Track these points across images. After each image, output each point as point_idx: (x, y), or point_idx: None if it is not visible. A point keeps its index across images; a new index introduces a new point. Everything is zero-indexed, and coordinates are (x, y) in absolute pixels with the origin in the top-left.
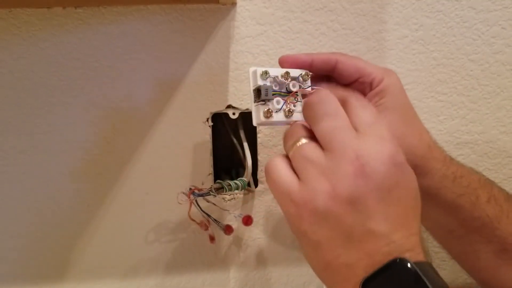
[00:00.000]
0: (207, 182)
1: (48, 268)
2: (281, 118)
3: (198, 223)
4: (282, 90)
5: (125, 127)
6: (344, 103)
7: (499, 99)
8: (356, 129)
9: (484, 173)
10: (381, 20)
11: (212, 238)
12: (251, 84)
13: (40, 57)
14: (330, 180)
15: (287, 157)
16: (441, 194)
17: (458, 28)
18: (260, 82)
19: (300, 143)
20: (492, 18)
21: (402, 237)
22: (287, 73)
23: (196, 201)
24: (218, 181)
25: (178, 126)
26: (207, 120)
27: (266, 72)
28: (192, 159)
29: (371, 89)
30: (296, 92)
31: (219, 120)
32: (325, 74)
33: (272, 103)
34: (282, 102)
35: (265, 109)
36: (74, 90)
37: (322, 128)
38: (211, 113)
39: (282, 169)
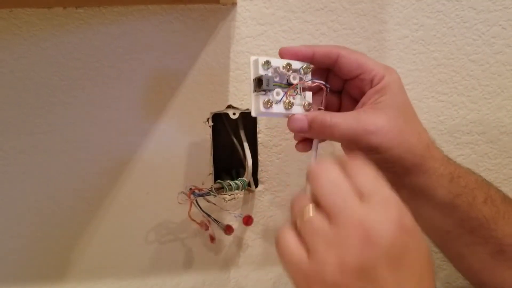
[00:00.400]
0: (208, 182)
1: (48, 268)
2: (281, 109)
3: (198, 223)
4: (283, 82)
5: (125, 126)
6: (344, 167)
7: (499, 99)
8: (359, 195)
9: (485, 174)
10: (381, 20)
11: (212, 238)
12: (252, 73)
13: (41, 57)
14: (338, 252)
15: (295, 225)
16: (438, 194)
17: (459, 29)
18: (262, 72)
19: (307, 215)
20: (493, 18)
21: None
22: (289, 64)
23: (196, 201)
24: (219, 181)
25: (179, 126)
26: (208, 120)
27: (268, 62)
28: (193, 159)
29: (371, 86)
30: (297, 84)
31: (219, 120)
32: (326, 68)
33: (272, 94)
34: (282, 93)
35: (265, 100)
36: (75, 90)
37: (327, 200)
38: (211, 113)
39: (291, 242)
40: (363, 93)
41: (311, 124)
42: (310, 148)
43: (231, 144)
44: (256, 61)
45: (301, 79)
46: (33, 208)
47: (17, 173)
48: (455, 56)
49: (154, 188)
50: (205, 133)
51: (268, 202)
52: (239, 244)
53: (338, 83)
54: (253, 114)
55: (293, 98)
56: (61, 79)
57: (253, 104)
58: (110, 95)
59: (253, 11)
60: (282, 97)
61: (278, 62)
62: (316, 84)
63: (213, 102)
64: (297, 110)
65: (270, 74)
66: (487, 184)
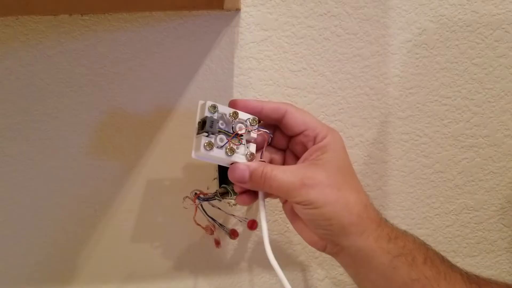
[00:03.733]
0: (212, 186)
1: (54, 273)
2: (222, 154)
3: (203, 228)
4: (229, 131)
5: (131, 132)
6: None
7: (503, 102)
8: None
9: (489, 177)
10: (384, 24)
11: (217, 243)
12: (197, 117)
13: (47, 64)
14: None
15: None
16: (377, 256)
17: (462, 32)
18: (207, 114)
19: None
20: (495, 21)
21: None
22: (236, 113)
23: (201, 205)
24: (223, 185)
25: (184, 131)
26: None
27: (214, 106)
28: (197, 164)
29: (314, 143)
30: (242, 134)
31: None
32: (273, 125)
33: (215, 139)
34: (225, 140)
35: (207, 141)
36: (81, 96)
37: None
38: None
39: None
40: (305, 150)
41: (251, 174)
42: (251, 201)
43: None
44: (203, 105)
45: (246, 128)
46: (39, 213)
47: (24, 179)
48: (458, 60)
49: (159, 193)
50: None
51: (272, 207)
52: (244, 248)
53: (283, 141)
54: (192, 155)
55: (237, 148)
56: (67, 85)
57: (194, 145)
58: (115, 100)
59: (257, 16)
60: (225, 144)
61: (226, 109)
62: (260, 133)
63: None
64: (239, 158)
65: (215, 117)
66: (425, 245)
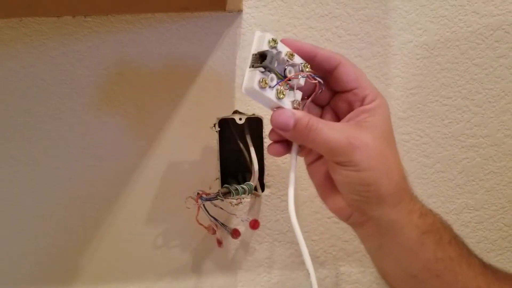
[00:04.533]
0: (215, 186)
1: (57, 273)
2: (272, 96)
3: (205, 227)
4: (280, 71)
5: (133, 133)
6: None
7: (503, 102)
8: None
9: (489, 177)
10: (385, 25)
11: (219, 242)
12: (254, 48)
13: (49, 65)
14: None
15: None
16: (407, 230)
17: (462, 33)
18: (268, 48)
19: None
20: (496, 22)
21: None
22: (292, 54)
23: (203, 205)
24: (225, 185)
25: (186, 132)
26: (214, 126)
27: (275, 41)
28: (200, 164)
29: (362, 104)
30: (295, 77)
31: (226, 126)
32: (322, 74)
33: (268, 78)
34: (276, 81)
35: (262, 78)
36: (84, 98)
37: None
38: (218, 118)
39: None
40: (351, 109)
41: (296, 123)
42: (283, 152)
43: (238, 149)
44: (262, 36)
45: (296, 73)
46: (41, 213)
47: (26, 179)
48: (459, 60)
49: (161, 193)
50: (212, 138)
51: (274, 206)
52: (246, 248)
53: (326, 95)
54: (243, 90)
55: (285, 92)
56: (70, 87)
57: (247, 78)
58: (117, 101)
59: (259, 18)
60: (276, 84)
61: (282, 48)
62: (314, 81)
63: (219, 107)
64: (286, 104)
65: (274, 54)
66: (449, 226)
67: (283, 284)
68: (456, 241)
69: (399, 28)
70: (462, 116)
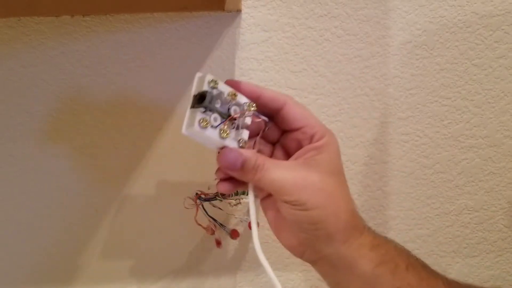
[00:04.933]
0: (214, 187)
1: (56, 274)
2: (215, 135)
3: (204, 228)
4: (223, 111)
5: (132, 132)
6: None
7: (503, 103)
8: None
9: (489, 177)
10: (384, 26)
11: (218, 243)
12: (194, 89)
13: (49, 65)
14: None
15: None
16: (359, 264)
17: (461, 33)
18: (207, 89)
19: None
20: (495, 23)
21: None
22: (235, 94)
23: (202, 205)
24: None
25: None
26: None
27: (215, 82)
28: (199, 164)
29: (310, 142)
30: (238, 116)
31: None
32: (268, 114)
33: (210, 118)
34: (219, 120)
35: (202, 117)
36: (83, 98)
37: None
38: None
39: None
40: (300, 147)
41: (244, 163)
42: (233, 189)
43: None
44: (202, 77)
45: (241, 112)
46: (42, 213)
47: (26, 179)
48: (458, 61)
49: (160, 193)
50: None
51: None
52: (245, 248)
53: (275, 134)
54: (183, 130)
55: (229, 131)
56: (69, 86)
57: (187, 119)
58: (116, 101)
59: (258, 18)
60: (220, 124)
61: (225, 88)
62: (258, 120)
63: None
64: (231, 143)
65: (214, 94)
66: (406, 252)
67: (282, 284)
68: (414, 266)
69: (399, 28)
70: (462, 117)
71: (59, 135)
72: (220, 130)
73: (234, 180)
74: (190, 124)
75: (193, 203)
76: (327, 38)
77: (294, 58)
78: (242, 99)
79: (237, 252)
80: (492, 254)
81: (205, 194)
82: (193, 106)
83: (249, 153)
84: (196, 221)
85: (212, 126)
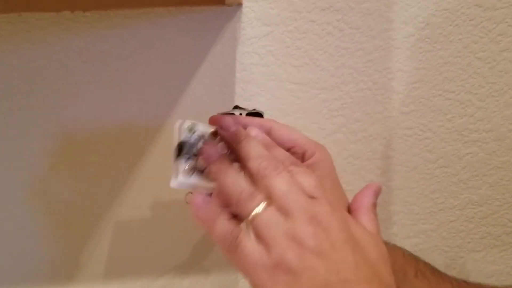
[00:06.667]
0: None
1: (58, 269)
2: (204, 180)
3: None
4: None
5: (133, 128)
6: (292, 174)
7: (507, 96)
8: (307, 194)
9: (493, 171)
10: (387, 19)
11: None
12: (175, 139)
13: (49, 61)
14: (297, 239)
15: (230, 216)
16: None
17: (465, 26)
18: (185, 137)
19: (259, 209)
20: (499, 15)
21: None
22: (216, 132)
23: None
24: None
25: None
26: None
27: (191, 128)
28: None
29: (302, 161)
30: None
31: None
32: None
33: (196, 163)
34: None
35: (186, 167)
36: (83, 93)
37: (284, 198)
38: (218, 113)
39: (248, 241)
40: None
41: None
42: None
43: None
44: (180, 125)
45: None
46: (43, 209)
47: (27, 176)
48: (461, 54)
49: (162, 189)
50: None
51: None
52: None
53: None
54: (171, 184)
55: None
56: (69, 82)
57: (172, 172)
58: (117, 97)
59: (259, 11)
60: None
61: (205, 128)
62: None
63: (219, 103)
64: None
65: (193, 140)
66: (415, 258)
67: None
68: (423, 272)
69: (401, 22)
70: (465, 111)
71: (59, 132)
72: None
73: None
74: (176, 176)
75: None
76: (329, 31)
77: (295, 52)
78: None
79: None
80: (496, 249)
81: None
82: (176, 158)
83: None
84: None
85: (198, 171)
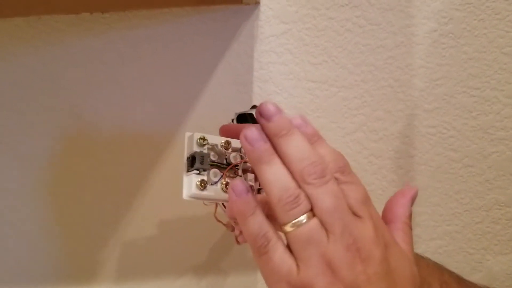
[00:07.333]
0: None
1: (76, 270)
2: (218, 191)
3: (224, 225)
4: (222, 162)
5: (151, 127)
6: (340, 182)
7: None
8: (352, 211)
9: None
10: (408, 14)
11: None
12: (186, 152)
13: (69, 62)
14: (332, 267)
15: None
16: None
17: (490, 20)
18: (196, 149)
19: (302, 219)
20: None
21: None
22: (228, 142)
23: (222, 202)
24: None
25: (204, 127)
26: (232, 121)
27: (203, 139)
28: None
29: None
30: (237, 165)
31: (244, 121)
32: None
33: (208, 175)
34: (219, 174)
35: (199, 180)
36: (102, 94)
37: (330, 214)
38: (236, 113)
39: (281, 250)
40: None
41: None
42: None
43: None
44: (190, 137)
45: (242, 158)
46: (59, 210)
47: (44, 176)
48: (487, 49)
49: (179, 190)
50: None
51: None
52: None
53: None
54: (184, 196)
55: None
56: (89, 83)
57: (184, 185)
58: (135, 97)
59: (276, 9)
60: (220, 179)
61: (216, 140)
62: None
63: (237, 102)
64: None
65: (205, 152)
66: (439, 268)
67: None
68: (448, 283)
69: (423, 17)
70: (491, 108)
71: (79, 132)
72: (222, 184)
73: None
74: (189, 188)
75: None
76: (349, 28)
77: (314, 49)
78: (237, 143)
79: None
80: None
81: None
82: (188, 170)
83: (260, 197)
84: (215, 217)
85: (212, 183)
